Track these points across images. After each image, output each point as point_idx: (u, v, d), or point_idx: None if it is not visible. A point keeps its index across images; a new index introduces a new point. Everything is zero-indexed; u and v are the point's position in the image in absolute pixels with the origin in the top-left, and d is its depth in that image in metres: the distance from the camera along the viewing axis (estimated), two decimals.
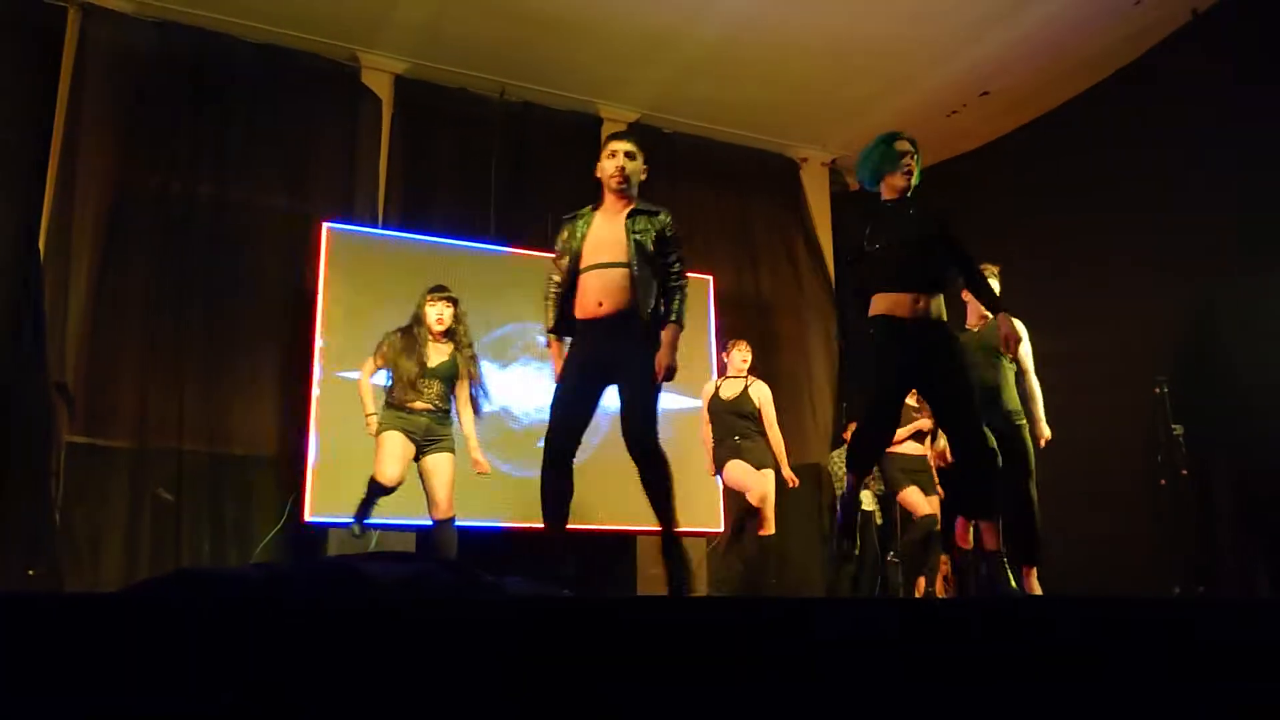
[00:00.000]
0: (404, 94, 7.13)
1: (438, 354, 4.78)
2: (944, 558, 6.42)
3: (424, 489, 4.78)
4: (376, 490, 4.71)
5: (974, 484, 3.62)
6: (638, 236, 3.69)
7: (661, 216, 3.76)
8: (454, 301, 4.84)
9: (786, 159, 8.49)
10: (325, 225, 6.28)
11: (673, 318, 3.70)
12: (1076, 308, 6.46)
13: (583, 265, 3.72)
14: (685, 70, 7.22)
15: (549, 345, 3.97)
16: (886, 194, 3.84)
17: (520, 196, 7.28)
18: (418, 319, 4.82)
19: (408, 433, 4.70)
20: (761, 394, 5.67)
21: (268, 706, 1.37)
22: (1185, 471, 5.38)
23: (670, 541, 3.60)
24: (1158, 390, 5.50)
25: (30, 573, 5.20)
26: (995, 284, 4.75)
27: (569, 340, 3.84)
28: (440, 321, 4.77)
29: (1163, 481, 5.44)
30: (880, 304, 3.69)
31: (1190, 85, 5.99)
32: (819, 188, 8.60)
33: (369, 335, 5.75)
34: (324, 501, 5.70)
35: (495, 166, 7.22)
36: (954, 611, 2.55)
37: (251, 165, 6.54)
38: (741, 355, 5.74)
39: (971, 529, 4.57)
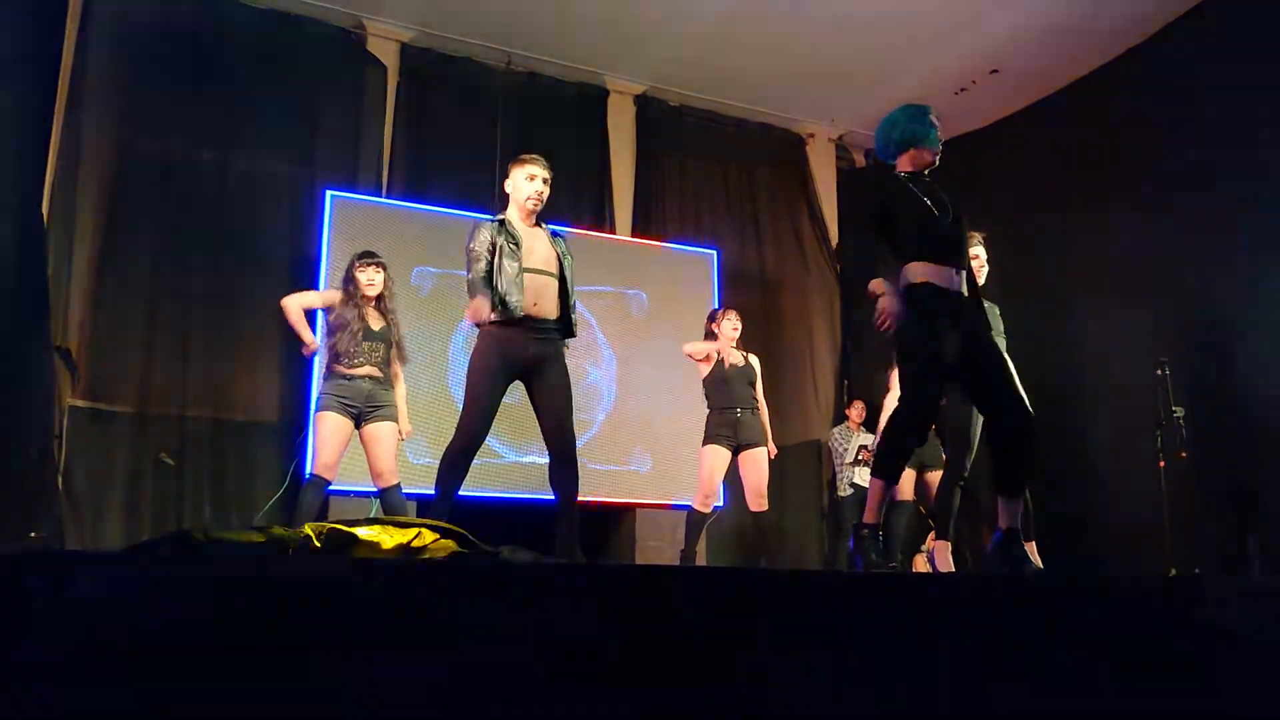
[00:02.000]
0: (410, 62, 7.10)
1: (376, 318, 4.77)
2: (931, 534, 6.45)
3: (367, 457, 4.69)
4: (321, 485, 4.59)
5: (1018, 459, 3.52)
6: (564, 256, 4.05)
7: (567, 239, 4.17)
8: (383, 267, 4.82)
9: (793, 134, 8.45)
10: (329, 193, 6.29)
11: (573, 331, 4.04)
12: (1080, 287, 6.44)
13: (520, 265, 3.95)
14: (693, 43, 7.18)
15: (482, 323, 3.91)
16: (907, 166, 3.69)
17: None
18: (351, 284, 4.77)
19: (347, 405, 4.60)
20: (757, 365, 5.61)
21: (267, 664, 1.38)
22: (1184, 454, 5.38)
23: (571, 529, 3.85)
24: (1159, 372, 5.49)
25: (33, 535, 5.23)
26: (981, 250, 4.71)
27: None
28: (371, 285, 4.75)
29: (1161, 463, 5.44)
30: (920, 272, 3.48)
31: (1201, 66, 5.94)
32: (825, 164, 8.57)
33: None
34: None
35: (500, 136, 7.19)
36: (957, 586, 2.56)
37: (255, 132, 6.52)
38: (733, 324, 5.57)
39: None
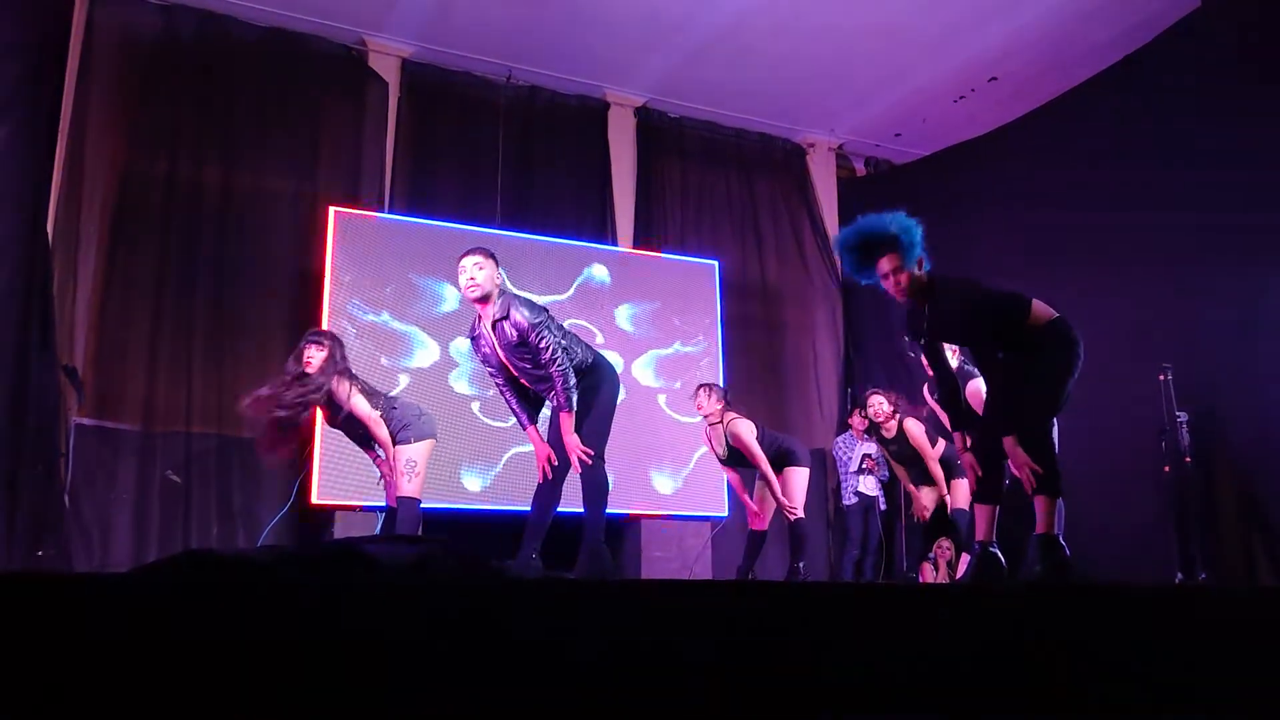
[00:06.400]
0: (411, 78, 7.14)
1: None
2: (948, 543, 6.45)
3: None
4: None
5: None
6: (508, 350, 4.02)
7: (514, 314, 3.91)
8: (321, 344, 4.61)
9: (793, 144, 8.48)
10: (332, 209, 6.31)
11: (561, 409, 3.95)
12: (1082, 294, 6.43)
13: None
14: (693, 55, 7.21)
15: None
16: None
17: (526, 180, 7.30)
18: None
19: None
20: (736, 432, 5.55)
21: (275, 687, 1.39)
22: (1189, 459, 5.38)
23: (592, 537, 4.00)
24: (1162, 377, 5.49)
25: (39, 554, 5.24)
26: None
27: None
28: (309, 364, 4.54)
29: (1166, 468, 5.44)
30: (1043, 309, 3.69)
31: (1198, 72, 5.95)
32: (826, 173, 8.59)
33: (376, 318, 5.79)
34: (330, 485, 5.75)
35: (501, 150, 7.23)
36: (959, 596, 2.56)
37: (258, 149, 6.56)
38: (699, 403, 5.70)
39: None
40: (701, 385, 5.82)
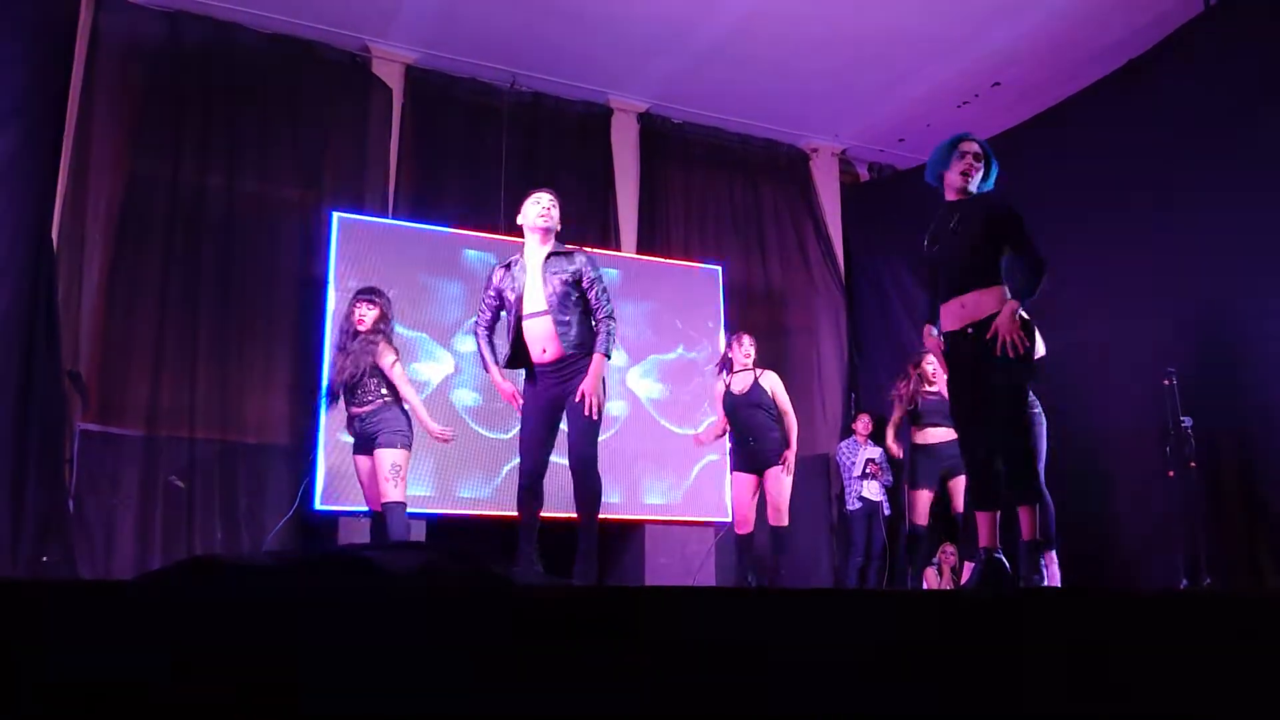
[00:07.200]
0: (415, 84, 7.15)
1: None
2: (952, 548, 6.44)
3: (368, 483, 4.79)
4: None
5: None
6: (556, 280, 4.09)
7: (579, 257, 4.15)
8: (373, 302, 4.82)
9: (797, 149, 8.48)
10: (336, 215, 6.32)
11: (599, 349, 4.05)
12: (1087, 299, 6.44)
13: (522, 312, 4.10)
14: (696, 60, 7.21)
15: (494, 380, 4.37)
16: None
17: (530, 186, 7.27)
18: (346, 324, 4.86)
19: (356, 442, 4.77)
20: (772, 382, 5.62)
21: (278, 695, 1.39)
22: (1194, 464, 5.37)
23: (587, 543, 3.98)
24: (1167, 382, 5.48)
25: (44, 559, 5.24)
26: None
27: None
28: (361, 321, 4.77)
29: (1171, 473, 5.43)
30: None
31: (1203, 76, 5.95)
32: (829, 178, 8.60)
33: None
34: (335, 490, 5.75)
35: (505, 156, 7.24)
36: (963, 603, 2.56)
37: (263, 155, 6.57)
38: (744, 350, 5.67)
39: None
40: (746, 333, 5.82)
